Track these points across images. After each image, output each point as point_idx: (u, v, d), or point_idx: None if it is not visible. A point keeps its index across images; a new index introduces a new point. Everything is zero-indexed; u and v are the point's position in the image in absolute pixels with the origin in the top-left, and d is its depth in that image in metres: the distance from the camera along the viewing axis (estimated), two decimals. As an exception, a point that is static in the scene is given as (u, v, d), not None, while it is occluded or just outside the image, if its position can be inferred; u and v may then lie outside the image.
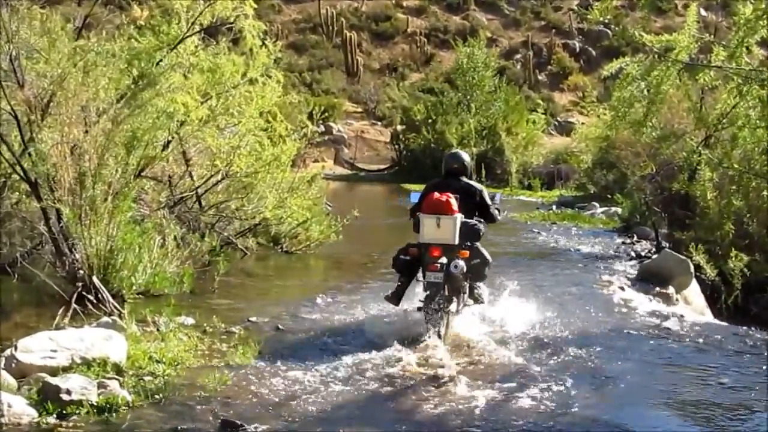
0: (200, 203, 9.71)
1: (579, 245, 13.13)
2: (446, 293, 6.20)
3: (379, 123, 46.40)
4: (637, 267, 10.29)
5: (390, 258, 6.57)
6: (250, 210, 9.95)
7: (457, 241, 6.29)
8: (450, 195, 6.40)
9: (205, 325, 6.22)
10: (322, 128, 42.50)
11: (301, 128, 10.64)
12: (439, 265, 6.12)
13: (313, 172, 11.84)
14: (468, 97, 35.52)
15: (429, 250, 6.22)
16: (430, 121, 34.66)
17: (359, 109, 48.14)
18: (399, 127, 39.55)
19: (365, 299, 7.62)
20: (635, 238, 13.92)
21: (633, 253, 12.12)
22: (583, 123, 36.40)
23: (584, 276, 9.87)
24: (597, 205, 20.20)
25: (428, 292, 6.12)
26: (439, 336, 6.08)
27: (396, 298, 6.50)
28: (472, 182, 6.93)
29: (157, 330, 5.94)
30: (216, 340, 5.85)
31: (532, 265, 10.70)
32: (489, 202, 6.84)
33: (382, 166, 39.35)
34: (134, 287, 7.00)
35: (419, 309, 6.21)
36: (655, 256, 10.70)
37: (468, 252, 6.42)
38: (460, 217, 6.35)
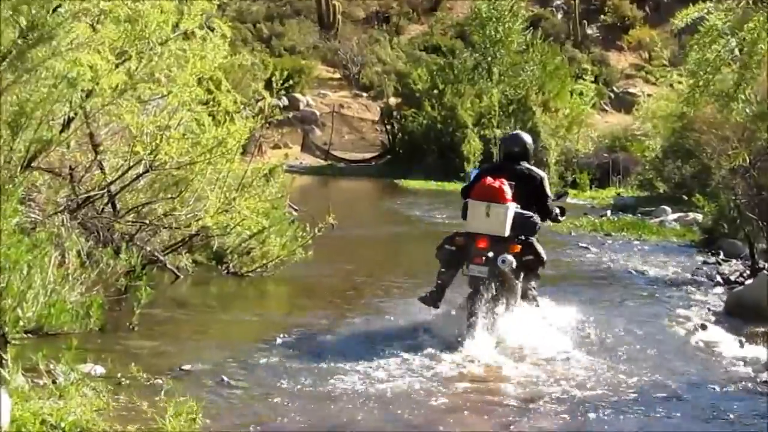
0: (114, 206, 9.68)
1: (643, 266, 13.16)
2: (494, 292, 7.42)
3: (365, 94, 46.48)
4: (725, 296, 10.31)
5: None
6: (184, 215, 9.92)
7: (507, 233, 7.52)
8: (504, 181, 7.64)
9: (119, 375, 6.20)
10: (284, 101, 42.44)
11: (256, 101, 10.61)
12: (484, 257, 7.39)
13: (273, 164, 11.82)
14: (489, 58, 35.63)
15: (475, 240, 7.50)
16: (435, 92, 34.76)
17: (337, 75, 48.21)
18: (392, 101, 39.64)
19: (346, 340, 7.62)
20: (722, 256, 13.96)
21: (719, 277, 12.16)
22: (649, 95, 36.62)
23: (651, 309, 9.89)
24: (668, 209, 20.28)
25: (471, 288, 7.43)
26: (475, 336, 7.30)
27: (434, 298, 7.76)
28: (532, 168, 8.25)
29: (54, 383, 5.90)
30: (136, 397, 5.82)
31: (578, 293, 10.71)
32: (549, 193, 8.20)
33: (369, 155, 39.42)
34: (21, 323, 6.96)
35: (462, 307, 7.53)
36: (749, 282, 10.74)
37: (519, 247, 7.62)
38: (513, 207, 7.58)
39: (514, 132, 8.76)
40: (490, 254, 7.39)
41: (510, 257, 7.39)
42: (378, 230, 16.67)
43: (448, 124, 33.45)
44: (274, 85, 10.73)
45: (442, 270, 7.79)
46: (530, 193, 7.96)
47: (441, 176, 31.40)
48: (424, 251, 14.76)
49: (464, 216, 7.78)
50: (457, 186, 30.61)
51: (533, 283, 8.07)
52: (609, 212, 21.71)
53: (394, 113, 37.82)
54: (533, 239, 7.87)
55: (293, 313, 9.43)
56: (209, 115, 9.86)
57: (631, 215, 20.48)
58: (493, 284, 7.42)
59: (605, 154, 33.67)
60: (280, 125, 27.67)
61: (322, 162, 38.41)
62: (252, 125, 10.18)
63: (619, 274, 12.43)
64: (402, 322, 8.27)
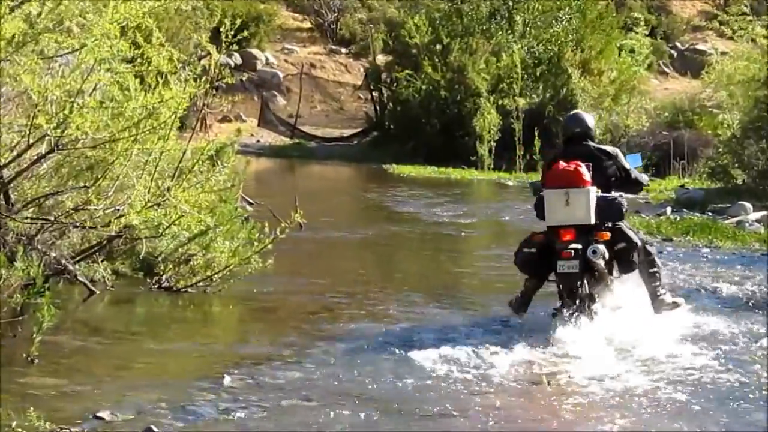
0: (7, 197, 9.68)
1: (715, 281, 13.18)
2: (587, 290, 8.64)
3: (344, 51, 46.54)
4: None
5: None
6: (102, 211, 9.91)
7: (593, 221, 8.72)
8: (579, 163, 8.86)
9: (14, 425, 6.21)
10: (237, 59, 42.36)
11: (199, 59, 10.60)
12: (572, 251, 8.47)
13: (221, 142, 11.83)
14: (510, 3, 35.69)
15: (559, 234, 8.65)
16: (438, 47, 34.76)
17: (307, 25, 48.25)
18: (380, 59, 39.66)
19: (316, 376, 7.63)
20: (818, 270, 14.01)
21: (815, 298, 12.20)
22: (723, 53, 36.66)
23: (726, 338, 9.91)
24: (748, 206, 20.30)
25: (562, 289, 8.65)
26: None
27: (521, 304, 9.03)
28: (602, 146, 9.70)
29: (-75, 434, 5.92)
30: (36, 454, 5.84)
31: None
32: (628, 165, 9.57)
33: (349, 131, 39.46)
34: None
35: (554, 314, 8.71)
36: None
37: (608, 234, 8.79)
38: (594, 190, 8.78)
39: (572, 112, 10.39)
40: (579, 246, 8.53)
41: (602, 247, 8.61)
42: (360, 232, 16.68)
43: (455, 91, 33.46)
44: (223, 37, 10.73)
45: (526, 279, 9.11)
46: (612, 172, 9.41)
47: (444, 160, 31.44)
48: (422, 260, 14.81)
49: (539, 212, 9.08)
50: (465, 173, 30.76)
51: (657, 282, 9.21)
52: (669, 209, 21.70)
53: (383, 76, 37.82)
54: (622, 224, 9.08)
55: (246, 342, 9.43)
56: (136, 76, 9.85)
57: (698, 214, 20.46)
58: (585, 282, 8.70)
59: (665, 132, 33.68)
60: (230, 91, 27.74)
61: (287, 140, 38.42)
62: (193, 91, 10.17)
63: (683, 292, 12.44)
64: (389, 354, 8.28)
